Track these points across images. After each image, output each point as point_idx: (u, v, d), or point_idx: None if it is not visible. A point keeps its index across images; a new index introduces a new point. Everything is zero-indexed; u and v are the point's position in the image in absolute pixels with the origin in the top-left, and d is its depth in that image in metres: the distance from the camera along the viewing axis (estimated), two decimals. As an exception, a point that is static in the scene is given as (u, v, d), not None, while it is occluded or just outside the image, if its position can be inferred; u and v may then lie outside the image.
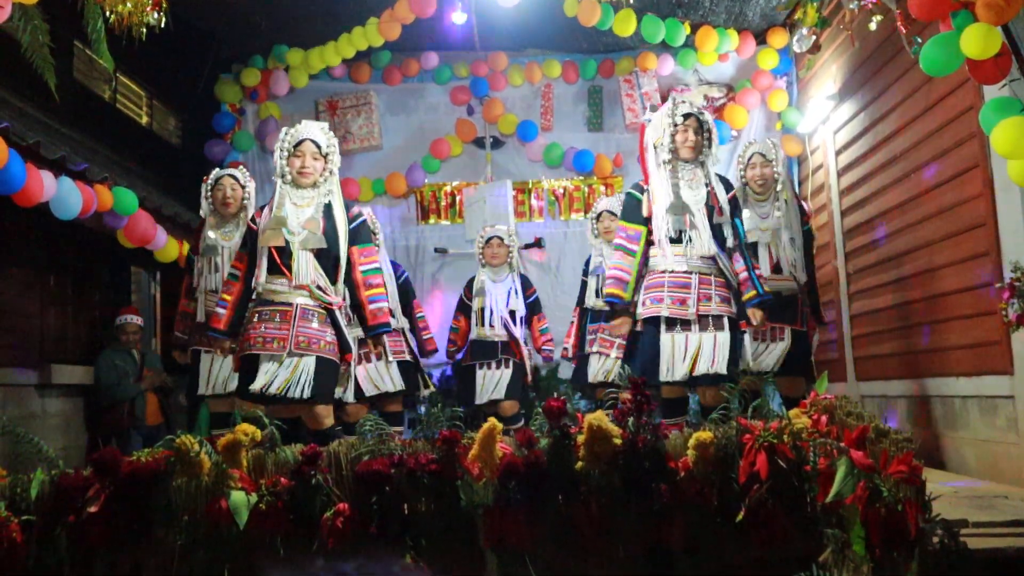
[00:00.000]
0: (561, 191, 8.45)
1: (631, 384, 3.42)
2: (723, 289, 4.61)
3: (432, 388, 6.61)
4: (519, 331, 6.49)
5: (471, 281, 6.72)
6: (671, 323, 4.51)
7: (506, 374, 6.42)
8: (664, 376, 4.45)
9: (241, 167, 5.85)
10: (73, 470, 3.48)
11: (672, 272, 4.57)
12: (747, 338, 4.93)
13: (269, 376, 4.22)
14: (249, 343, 4.33)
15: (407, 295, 6.58)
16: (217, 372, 5.55)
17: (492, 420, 3.34)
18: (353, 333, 4.76)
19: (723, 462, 3.31)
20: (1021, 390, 4.52)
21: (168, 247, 6.62)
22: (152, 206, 6.52)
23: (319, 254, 4.42)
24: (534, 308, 6.75)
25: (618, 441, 3.30)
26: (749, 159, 5.56)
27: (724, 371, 4.40)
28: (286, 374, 4.23)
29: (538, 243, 8.26)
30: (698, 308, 4.49)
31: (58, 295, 6.58)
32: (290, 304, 4.35)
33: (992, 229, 4.75)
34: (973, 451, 5.02)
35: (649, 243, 4.71)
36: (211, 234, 5.52)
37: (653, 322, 4.55)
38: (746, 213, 5.23)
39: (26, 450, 3.51)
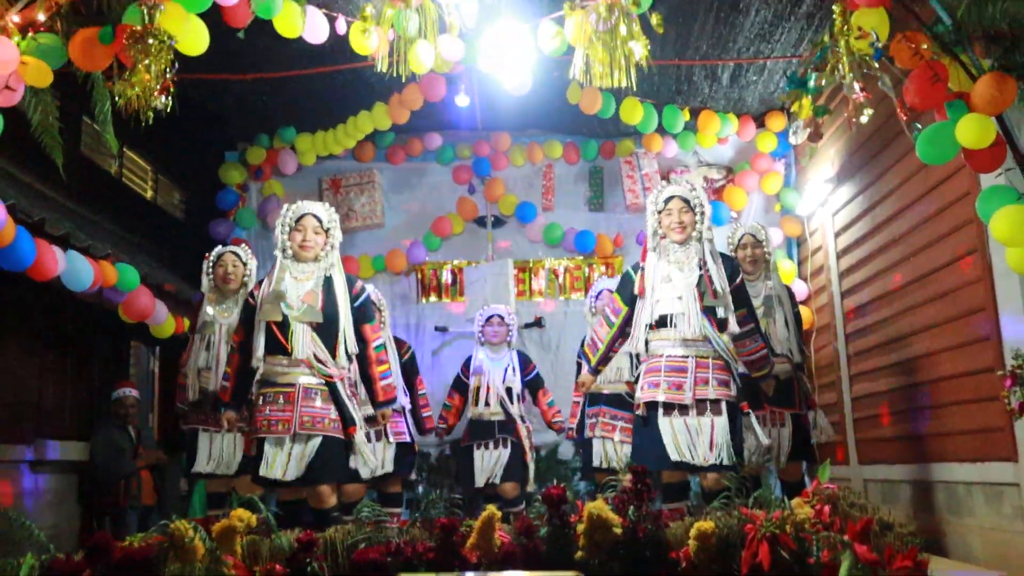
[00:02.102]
0: (562, 270, 8.49)
1: (632, 471, 3.38)
2: (722, 372, 4.55)
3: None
4: (516, 409, 6.44)
5: (469, 359, 6.70)
6: (668, 408, 4.47)
7: (504, 454, 6.35)
8: (664, 461, 4.40)
9: (243, 245, 5.90)
10: (64, 555, 3.41)
11: (669, 356, 4.53)
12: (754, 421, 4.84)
13: (275, 459, 4.23)
14: (255, 427, 4.38)
15: (411, 372, 6.55)
16: (217, 451, 5.49)
17: (491, 508, 3.30)
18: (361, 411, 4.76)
19: (725, 552, 3.25)
20: (1026, 478, 4.46)
21: (167, 323, 6.61)
22: (154, 281, 6.55)
23: (318, 327, 4.44)
24: (537, 383, 6.71)
25: (618, 530, 3.25)
26: (740, 240, 5.61)
27: (724, 457, 4.34)
28: (292, 456, 4.23)
29: (538, 322, 8.25)
30: (695, 392, 4.44)
31: (56, 368, 6.55)
32: (292, 384, 4.38)
33: (992, 313, 4.75)
34: (979, 539, 4.94)
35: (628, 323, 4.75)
36: (209, 310, 5.54)
37: (651, 407, 4.52)
38: None
39: (17, 534, 3.45)
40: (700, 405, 4.44)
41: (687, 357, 4.50)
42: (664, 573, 3.20)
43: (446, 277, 8.52)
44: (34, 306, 6.08)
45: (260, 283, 4.63)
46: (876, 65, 3.88)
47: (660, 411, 4.46)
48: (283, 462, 4.24)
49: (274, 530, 3.57)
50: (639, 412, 4.60)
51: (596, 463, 6.19)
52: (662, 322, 4.58)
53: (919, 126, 4.19)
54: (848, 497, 3.21)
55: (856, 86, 3.85)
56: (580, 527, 3.31)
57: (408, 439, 6.16)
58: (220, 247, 5.78)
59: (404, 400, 6.27)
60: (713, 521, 3.29)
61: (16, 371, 6.11)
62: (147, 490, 6.71)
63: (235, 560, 3.34)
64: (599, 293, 6.48)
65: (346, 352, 4.56)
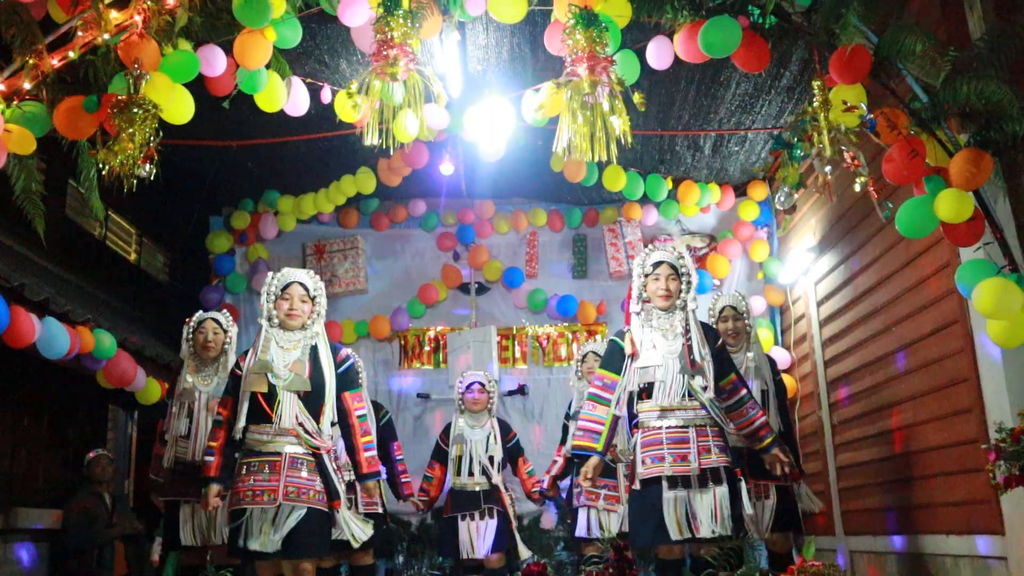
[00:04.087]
0: (545, 338, 8.48)
1: (613, 547, 3.32)
2: (719, 439, 4.43)
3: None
4: (499, 477, 6.35)
5: (448, 427, 6.60)
6: (673, 482, 4.33)
7: (491, 525, 6.22)
8: (664, 536, 4.26)
9: (224, 311, 5.83)
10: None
11: (669, 428, 4.40)
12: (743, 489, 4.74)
13: (259, 530, 4.15)
14: (239, 496, 4.26)
15: (388, 437, 6.45)
16: (199, 522, 5.34)
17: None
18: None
19: (709, 631, 3.19)
20: (1014, 552, 4.41)
21: (148, 388, 6.53)
22: (133, 347, 6.48)
23: (305, 397, 4.38)
24: (517, 451, 6.61)
25: (600, 608, 3.18)
26: (720, 312, 5.58)
27: (728, 529, 4.23)
28: (276, 527, 4.15)
29: (522, 390, 8.20)
30: (700, 462, 4.32)
31: (31, 433, 6.44)
32: (278, 453, 4.29)
33: (975, 385, 4.75)
34: (967, 615, 4.87)
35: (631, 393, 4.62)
36: (188, 378, 5.43)
37: (655, 482, 4.36)
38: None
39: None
40: (703, 476, 4.32)
41: (687, 427, 4.38)
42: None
43: (429, 344, 8.49)
44: (10, 370, 6.00)
45: (245, 354, 4.56)
46: (855, 140, 3.93)
47: (665, 485, 4.33)
48: (267, 533, 4.14)
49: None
50: (636, 487, 4.45)
51: (580, 533, 6.10)
52: (648, 390, 4.49)
53: (890, 205, 4.24)
54: (834, 575, 3.16)
55: (827, 168, 3.90)
56: (561, 605, 3.24)
57: (380, 510, 5.99)
58: (201, 312, 5.67)
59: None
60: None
61: (-11, 436, 6.01)
62: (120, 561, 6.54)
63: (207, 638, 3.25)
64: (585, 355, 6.42)
65: (340, 424, 4.52)
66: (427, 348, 8.47)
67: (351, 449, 4.56)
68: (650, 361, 4.46)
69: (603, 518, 6.01)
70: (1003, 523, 4.48)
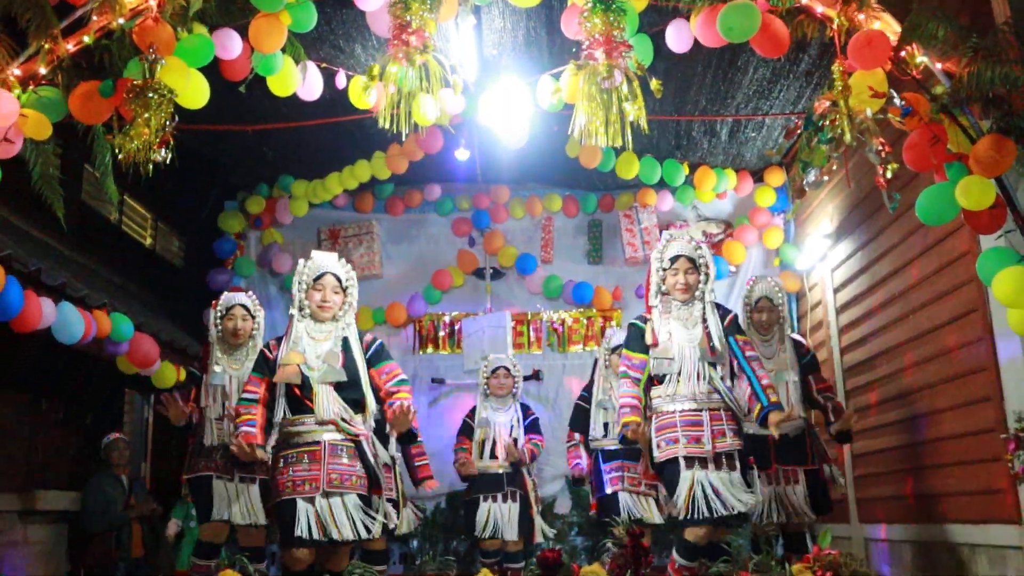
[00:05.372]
0: (559, 323, 8.46)
1: (629, 534, 3.32)
2: (732, 423, 4.49)
3: (416, 522, 6.35)
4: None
5: (474, 409, 6.60)
6: (689, 462, 4.37)
7: (514, 509, 6.24)
8: (694, 514, 4.27)
9: (250, 293, 5.75)
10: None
11: (683, 411, 4.46)
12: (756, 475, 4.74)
13: (309, 518, 4.09)
14: (279, 489, 4.19)
15: None
16: (237, 498, 5.34)
17: (485, 572, 3.23)
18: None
19: (725, 619, 3.18)
20: (1031, 542, 4.39)
21: (164, 372, 6.55)
22: (150, 331, 6.51)
23: (340, 387, 4.35)
24: (530, 428, 6.57)
25: (615, 595, 3.18)
26: (756, 303, 5.53)
27: (745, 508, 4.26)
28: (323, 515, 4.11)
29: (536, 375, 8.19)
30: (714, 445, 4.38)
31: (49, 417, 6.50)
32: (318, 442, 4.24)
33: (994, 374, 4.71)
34: (983, 604, 4.85)
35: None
36: (217, 368, 5.38)
37: (672, 462, 4.41)
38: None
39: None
40: (717, 458, 4.36)
41: (700, 411, 4.44)
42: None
43: (444, 329, 8.49)
44: (28, 355, 6.04)
45: (277, 341, 4.46)
46: (875, 127, 3.88)
47: (682, 464, 4.36)
48: (315, 522, 4.09)
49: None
50: (655, 471, 4.49)
51: (624, 516, 5.99)
52: (661, 378, 4.54)
53: (898, 196, 4.20)
54: (850, 564, 3.14)
55: (834, 154, 3.86)
56: (576, 591, 3.24)
57: (395, 495, 5.98)
58: (228, 295, 5.58)
59: (395, 453, 6.10)
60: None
61: (8, 420, 6.05)
62: (137, 542, 6.59)
63: (223, 622, 3.26)
64: (618, 347, 6.33)
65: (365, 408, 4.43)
66: (442, 333, 8.46)
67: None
68: (669, 350, 4.51)
69: (645, 503, 6.00)
70: (1020, 512, 4.45)
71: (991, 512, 4.76)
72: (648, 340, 4.61)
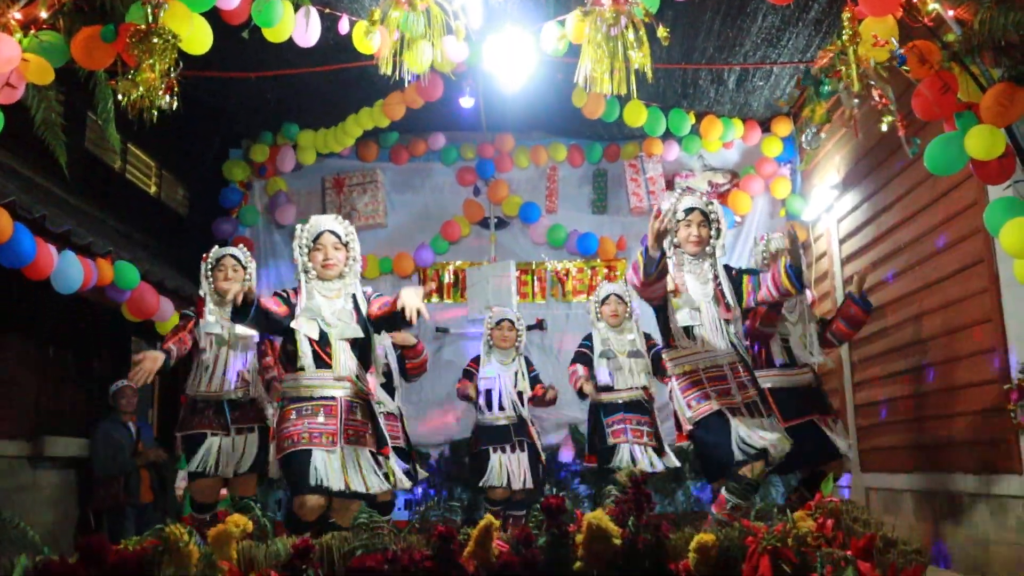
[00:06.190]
0: (564, 273, 8.46)
1: (631, 480, 3.35)
2: (748, 374, 4.54)
3: (424, 475, 6.40)
4: (526, 412, 6.39)
5: (477, 357, 6.61)
6: (733, 411, 4.38)
7: (523, 458, 6.28)
8: (742, 455, 4.29)
9: (241, 246, 5.74)
10: (59, 556, 3.38)
11: (706, 368, 4.50)
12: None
13: (329, 468, 4.10)
14: (293, 440, 4.16)
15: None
16: (225, 454, 5.36)
17: (488, 517, 3.26)
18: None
19: (725, 565, 3.21)
20: (1031, 491, 4.43)
21: (171, 319, 6.58)
22: (155, 279, 6.52)
23: (353, 343, 4.38)
24: (535, 381, 6.60)
25: (618, 541, 3.21)
26: (776, 252, 5.51)
27: (789, 446, 4.30)
28: (340, 468, 4.13)
29: (540, 325, 8.21)
30: (742, 396, 4.42)
31: (57, 365, 6.54)
32: (333, 398, 4.26)
33: (999, 324, 4.72)
34: (983, 552, 4.90)
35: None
36: (211, 319, 5.36)
37: (716, 415, 4.39)
38: None
39: (11, 533, 3.42)
40: (748, 407, 4.41)
41: (721, 365, 4.50)
42: (664, 584, 3.16)
43: (448, 278, 8.49)
44: (35, 303, 6.06)
45: (296, 290, 4.42)
46: (885, 75, 3.83)
47: (725, 414, 4.35)
48: (335, 471, 4.12)
49: (270, 535, 3.53)
50: (690, 429, 4.48)
51: (620, 465, 6.02)
52: (684, 333, 4.56)
53: (918, 141, 4.16)
54: (851, 511, 3.17)
55: (854, 102, 3.81)
56: (579, 537, 3.27)
57: (403, 444, 6.02)
58: (218, 248, 5.55)
59: (391, 407, 6.09)
60: (714, 533, 3.25)
61: (16, 367, 6.09)
62: (145, 488, 6.67)
63: (230, 566, 3.31)
64: (607, 297, 6.36)
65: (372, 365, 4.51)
66: (446, 282, 8.47)
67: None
68: (695, 300, 4.54)
69: (648, 454, 6.04)
70: (1022, 463, 4.48)
71: (993, 462, 4.80)
72: (670, 287, 4.59)
